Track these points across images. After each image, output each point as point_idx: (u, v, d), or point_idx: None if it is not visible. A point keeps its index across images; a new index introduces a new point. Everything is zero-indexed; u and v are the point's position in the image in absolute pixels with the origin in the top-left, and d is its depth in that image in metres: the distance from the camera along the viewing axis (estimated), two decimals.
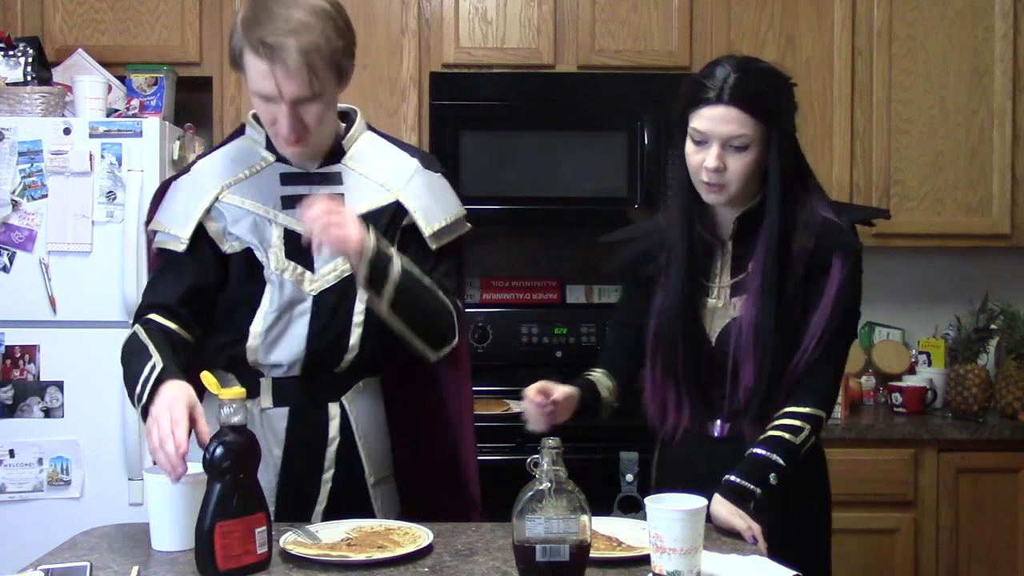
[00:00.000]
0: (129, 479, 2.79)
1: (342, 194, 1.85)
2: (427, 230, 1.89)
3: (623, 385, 1.95)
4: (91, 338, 2.80)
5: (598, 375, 1.94)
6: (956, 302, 3.42)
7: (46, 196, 2.80)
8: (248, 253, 1.84)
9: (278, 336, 1.84)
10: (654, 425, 1.95)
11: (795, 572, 1.48)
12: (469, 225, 1.99)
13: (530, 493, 1.43)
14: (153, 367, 1.67)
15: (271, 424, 1.87)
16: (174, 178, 1.94)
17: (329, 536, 1.63)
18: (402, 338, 1.85)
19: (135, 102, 3.06)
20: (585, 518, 1.44)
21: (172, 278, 1.85)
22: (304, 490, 1.87)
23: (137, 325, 1.82)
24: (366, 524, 1.72)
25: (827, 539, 1.94)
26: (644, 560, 1.50)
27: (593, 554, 1.53)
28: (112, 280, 2.80)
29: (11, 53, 2.98)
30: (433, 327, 1.87)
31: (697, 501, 1.45)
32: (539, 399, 1.74)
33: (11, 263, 2.81)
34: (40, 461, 2.80)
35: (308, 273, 1.84)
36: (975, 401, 3.18)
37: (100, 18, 3.25)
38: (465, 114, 3.18)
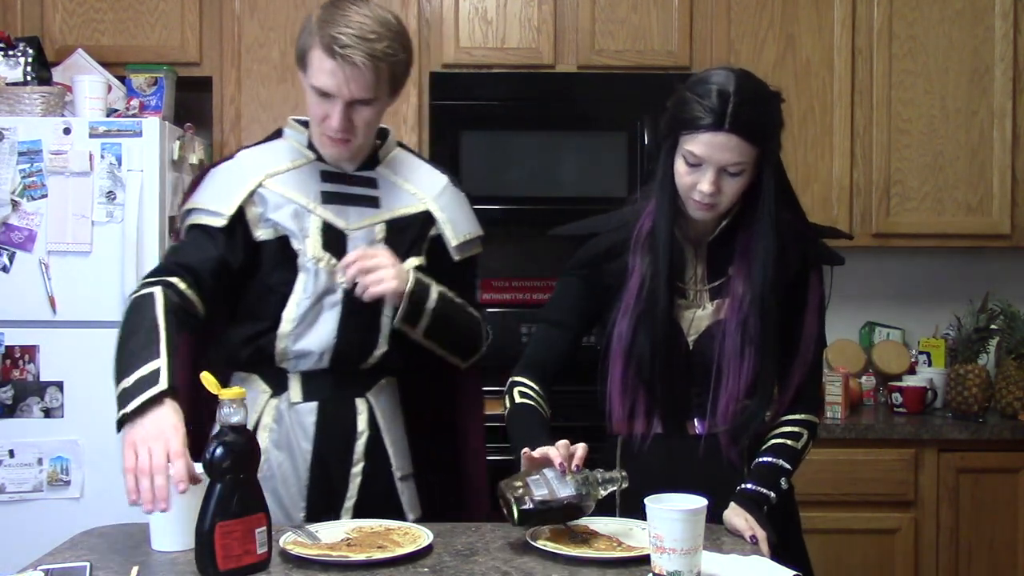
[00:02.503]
0: None
1: (376, 197, 1.93)
2: (454, 240, 1.99)
3: (551, 405, 1.85)
4: (91, 338, 2.79)
5: (539, 402, 1.83)
6: (956, 302, 3.41)
7: (46, 196, 2.80)
8: (282, 241, 1.89)
9: (310, 324, 1.88)
10: (618, 430, 1.87)
11: (795, 572, 1.48)
12: (481, 248, 2.07)
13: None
14: (156, 374, 1.60)
15: (300, 419, 1.90)
16: (213, 165, 1.99)
17: (329, 536, 1.63)
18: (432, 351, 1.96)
19: (135, 102, 3.06)
20: (586, 502, 1.60)
21: (203, 245, 1.86)
22: (334, 485, 1.91)
23: (158, 288, 1.75)
24: (366, 524, 1.72)
25: (801, 544, 1.91)
26: (644, 560, 1.50)
27: (593, 554, 1.54)
28: (112, 280, 2.80)
29: (11, 53, 2.98)
30: (465, 342, 2.00)
31: (697, 501, 1.45)
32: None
33: (11, 263, 2.81)
34: (40, 461, 2.80)
35: None
36: (975, 401, 3.18)
37: (100, 18, 3.25)
38: (465, 114, 3.18)
